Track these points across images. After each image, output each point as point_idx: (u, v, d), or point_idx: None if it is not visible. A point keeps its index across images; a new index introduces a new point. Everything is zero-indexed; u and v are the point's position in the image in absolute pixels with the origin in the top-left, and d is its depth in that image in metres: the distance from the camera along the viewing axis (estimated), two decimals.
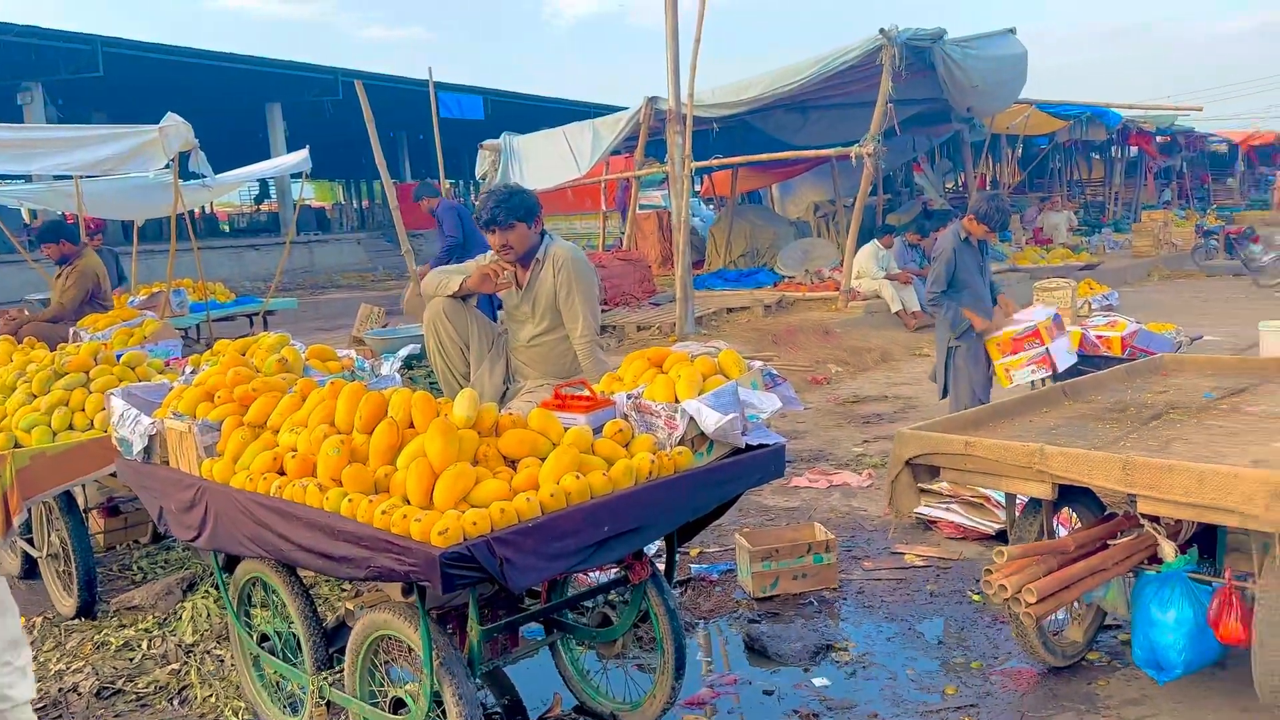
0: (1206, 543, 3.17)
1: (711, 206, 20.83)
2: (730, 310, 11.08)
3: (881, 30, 10.62)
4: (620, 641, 3.17)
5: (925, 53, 11.16)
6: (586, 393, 3.09)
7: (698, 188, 20.40)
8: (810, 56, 11.64)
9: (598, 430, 2.87)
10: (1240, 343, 9.30)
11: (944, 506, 4.73)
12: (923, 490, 4.78)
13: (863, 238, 11.95)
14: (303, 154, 9.84)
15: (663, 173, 11.59)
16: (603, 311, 11.47)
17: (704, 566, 4.49)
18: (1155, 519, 3.00)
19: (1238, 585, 2.86)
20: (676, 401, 2.94)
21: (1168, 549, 3.01)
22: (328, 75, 24.95)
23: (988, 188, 21.47)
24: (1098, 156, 26.07)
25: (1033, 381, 5.37)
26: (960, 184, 20.14)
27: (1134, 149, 24.43)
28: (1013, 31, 12.63)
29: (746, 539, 4.23)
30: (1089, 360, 5.71)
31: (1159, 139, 25.16)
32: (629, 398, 3.02)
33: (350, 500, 2.44)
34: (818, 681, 3.38)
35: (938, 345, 5.82)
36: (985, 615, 3.80)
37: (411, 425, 2.65)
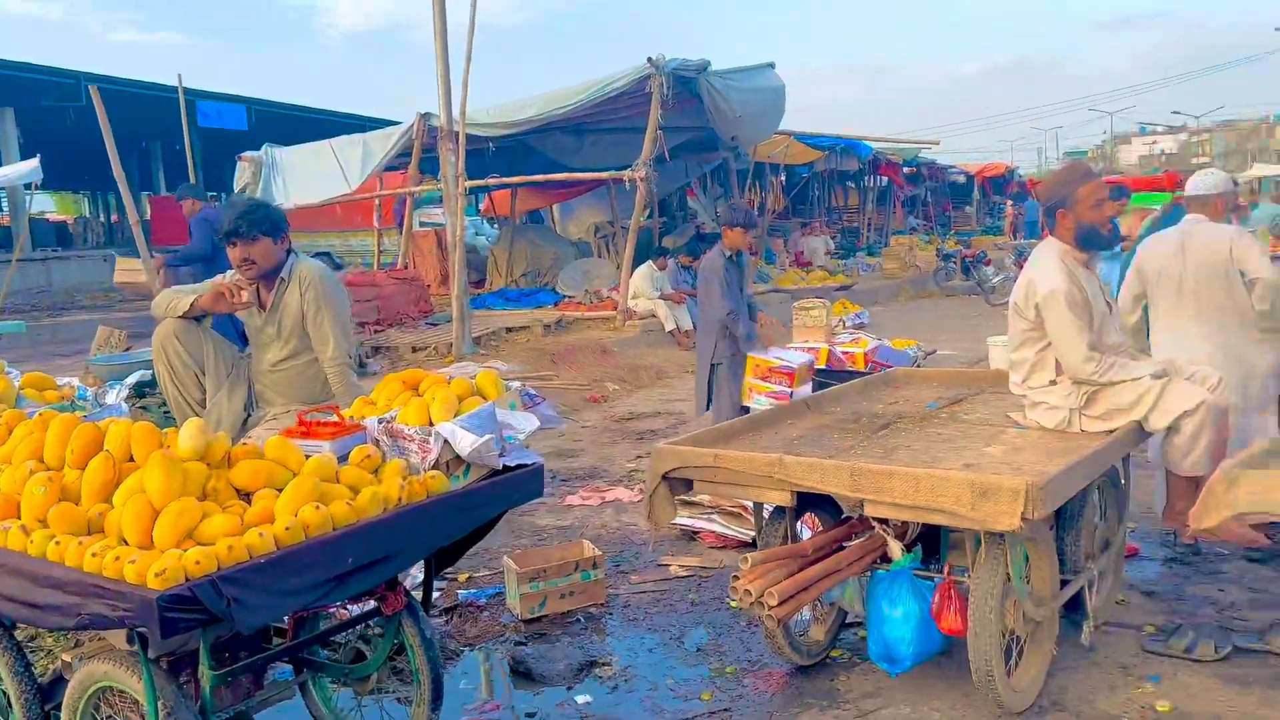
0: (932, 542, 3.45)
1: (496, 225, 20.73)
2: (510, 330, 11.05)
3: (649, 59, 10.98)
4: (375, 676, 3.06)
5: (692, 83, 11.63)
6: (334, 418, 2.98)
7: (479, 206, 20.22)
8: (584, 81, 11.85)
9: (344, 458, 2.77)
10: (972, 356, 10.23)
11: (706, 517, 4.90)
12: (687, 502, 4.96)
13: (639, 259, 12.27)
14: (33, 163, 8.97)
15: (439, 190, 11.41)
16: (376, 332, 11.18)
17: (472, 592, 4.42)
18: (884, 521, 3.24)
19: (956, 580, 3.13)
20: (431, 424, 2.88)
21: (895, 548, 3.26)
22: (68, 79, 22.82)
23: (758, 213, 22.60)
24: (853, 185, 28.05)
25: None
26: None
27: (884, 179, 26.50)
28: (772, 66, 13.40)
29: (514, 560, 4.21)
30: (836, 374, 6.12)
31: (906, 170, 27.47)
32: (380, 422, 2.93)
33: (58, 543, 2.22)
34: (580, 699, 3.40)
35: (699, 361, 6.04)
36: (741, 621, 3.96)
37: (131, 459, 2.45)
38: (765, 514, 3.56)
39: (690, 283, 12.66)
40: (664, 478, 3.36)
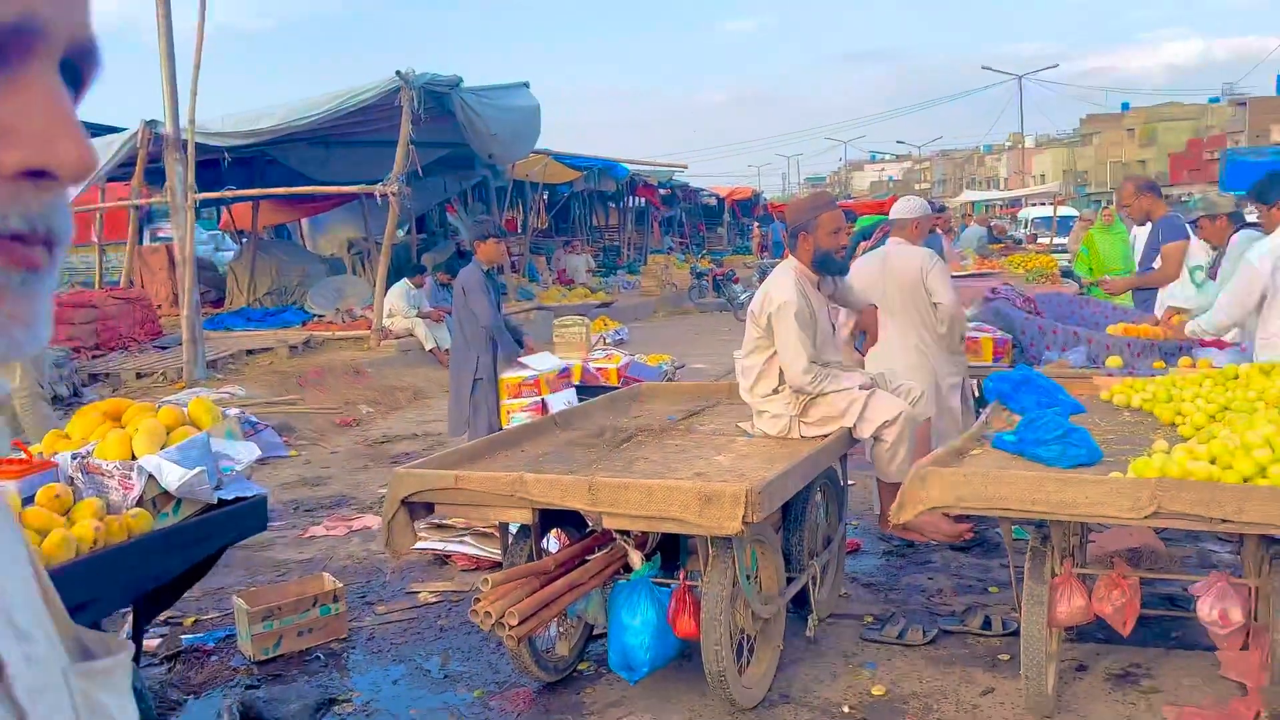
0: (672, 550, 3.56)
1: (243, 240, 19.50)
2: (251, 352, 10.41)
3: (398, 73, 10.74)
4: None
5: (445, 98, 11.48)
6: (22, 455, 2.68)
7: (219, 221, 18.93)
8: (330, 91, 11.41)
9: (31, 498, 2.49)
10: (721, 369, 10.70)
11: (458, 539, 4.82)
12: (439, 525, 4.86)
13: (397, 276, 11.95)
14: None
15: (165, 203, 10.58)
16: (95, 357, 10.18)
17: (199, 636, 4.10)
18: (625, 532, 3.31)
19: (690, 585, 3.25)
20: (133, 458, 2.65)
21: (635, 558, 3.34)
22: None
23: (519, 230, 22.63)
24: (613, 205, 28.77)
25: None
26: None
27: (642, 200, 27.35)
28: (526, 85, 13.49)
29: (245, 599, 3.94)
30: (590, 390, 6.21)
31: (662, 191, 28.48)
32: (75, 458, 2.67)
33: None
34: None
35: (454, 379, 5.94)
36: (490, 643, 3.91)
37: None
38: (511, 533, 3.54)
39: (449, 300, 12.51)
40: (403, 503, 3.27)
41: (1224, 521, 2.53)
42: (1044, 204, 29.71)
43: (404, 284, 11.43)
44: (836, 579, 4.15)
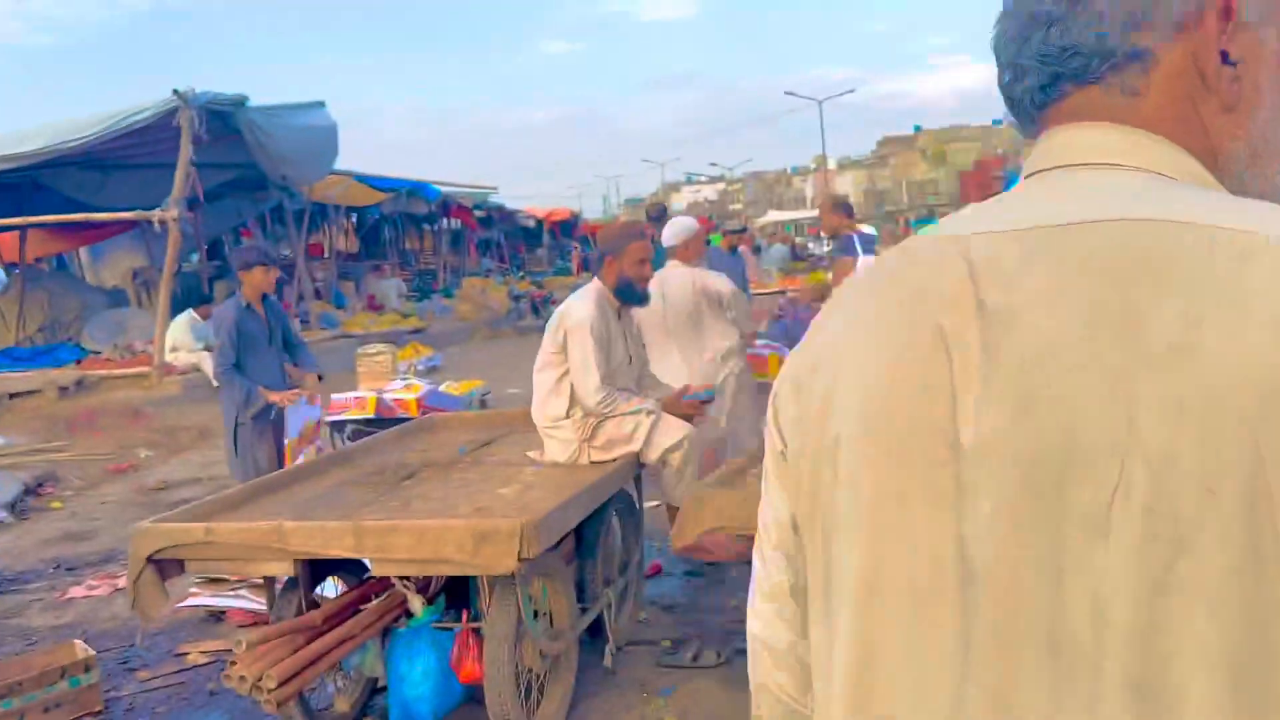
0: (457, 591, 3.39)
1: (16, 272, 17.77)
2: (14, 396, 9.45)
3: (176, 91, 10.08)
4: None
5: (230, 118, 10.87)
6: None
7: None
8: (102, 111, 10.58)
9: None
10: None
11: (233, 593, 4.46)
12: (213, 578, 4.48)
13: (182, 307, 11.15)
14: None
15: None
16: None
17: None
18: (405, 575, 3.12)
19: (474, 628, 3.09)
20: None
21: (415, 603, 3.15)
22: None
23: (325, 255, 21.76)
24: (428, 228, 28.18)
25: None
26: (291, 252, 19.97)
27: (457, 221, 26.91)
28: (322, 105, 12.97)
29: None
30: (384, 423, 5.94)
31: (478, 213, 28.12)
32: None
33: None
34: None
35: (225, 422, 5.52)
36: None
37: None
38: (279, 585, 3.28)
39: None
40: (149, 561, 2.96)
41: None
42: None
43: (188, 315, 10.64)
44: (635, 604, 4.09)
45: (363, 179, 17.55)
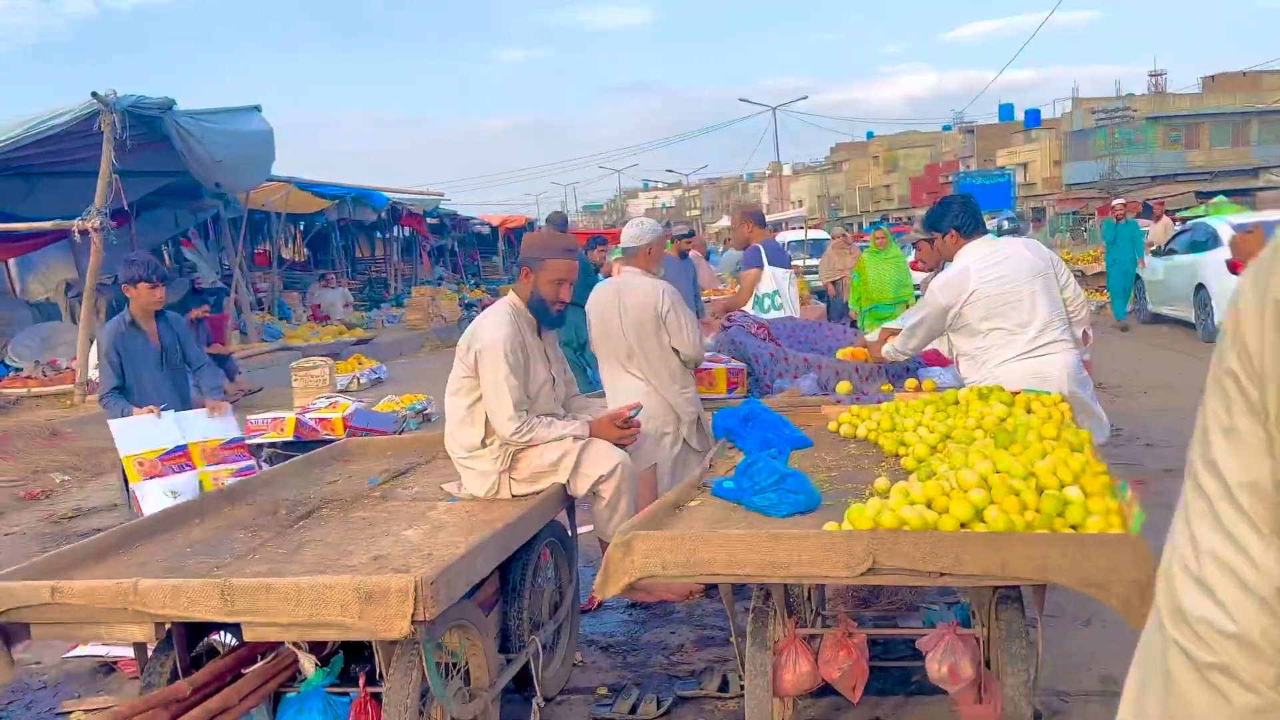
0: (357, 649, 3.01)
1: None
2: None
3: (96, 95, 9.54)
4: None
5: (157, 122, 10.34)
6: None
7: None
8: (17, 117, 10.01)
9: None
10: None
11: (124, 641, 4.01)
12: None
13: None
14: None
15: None
16: None
17: None
18: None
19: (373, 693, 2.71)
20: None
21: (306, 664, 2.76)
22: None
23: (271, 265, 21.15)
24: (379, 236, 27.58)
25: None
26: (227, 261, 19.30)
27: (408, 229, 26.35)
28: (258, 109, 12.47)
29: None
30: (303, 446, 5.52)
31: (431, 220, 27.57)
32: None
33: None
34: None
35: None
36: None
37: None
38: (151, 646, 2.87)
39: (207, 340, 11.29)
40: None
41: (942, 575, 2.30)
42: (799, 227, 31.16)
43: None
44: (569, 646, 3.73)
45: (304, 185, 16.98)
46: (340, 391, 12.06)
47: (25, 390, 9.87)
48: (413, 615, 2.30)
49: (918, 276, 9.39)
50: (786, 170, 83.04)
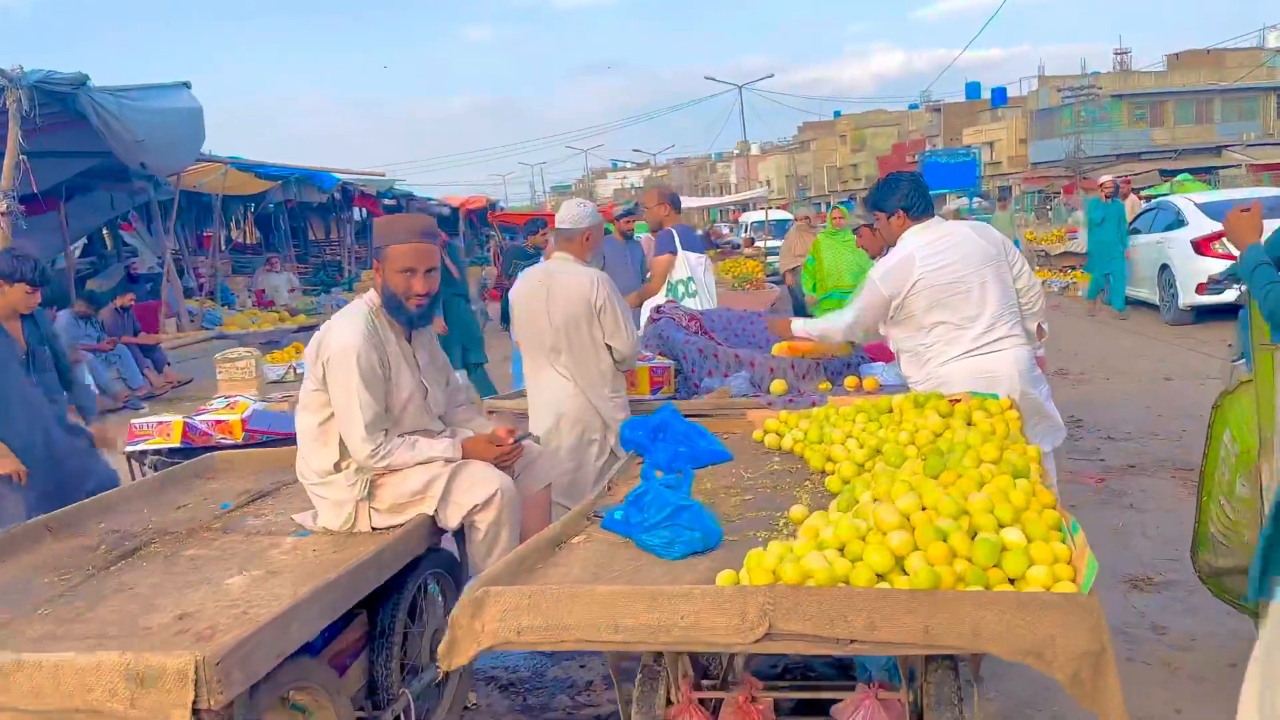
0: None
1: None
2: None
3: (0, 70, 8.87)
4: None
5: (70, 99, 9.67)
6: None
7: None
8: None
9: None
10: None
11: None
12: None
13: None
14: None
15: None
16: None
17: None
18: None
19: None
20: None
21: None
22: None
23: (221, 248, 20.44)
24: (333, 217, 26.85)
25: None
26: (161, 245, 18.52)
27: (363, 210, 25.64)
28: (187, 86, 11.80)
29: None
30: (196, 452, 5.01)
31: (387, 201, 26.87)
32: None
33: None
34: None
35: None
36: None
37: None
38: None
39: (96, 336, 10.65)
40: None
41: (853, 643, 1.87)
42: (762, 208, 30.73)
43: (68, 315, 9.48)
44: (461, 686, 3.28)
45: (244, 166, 16.28)
46: (273, 383, 11.55)
47: None
48: (194, 703, 1.84)
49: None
50: (754, 150, 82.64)
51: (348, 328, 2.88)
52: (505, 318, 10.16)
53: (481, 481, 2.84)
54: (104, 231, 19.02)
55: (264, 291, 17.34)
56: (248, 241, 26.60)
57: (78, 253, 17.06)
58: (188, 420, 5.14)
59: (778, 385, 4.23)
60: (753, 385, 4.24)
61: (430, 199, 31.96)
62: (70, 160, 12.05)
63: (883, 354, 4.57)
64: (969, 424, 2.85)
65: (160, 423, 5.09)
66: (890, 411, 3.07)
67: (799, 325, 4.22)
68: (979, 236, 3.77)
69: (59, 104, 9.75)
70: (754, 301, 10.16)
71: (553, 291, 3.96)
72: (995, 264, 3.70)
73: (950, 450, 2.55)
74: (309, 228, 27.72)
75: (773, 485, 2.90)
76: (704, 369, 4.39)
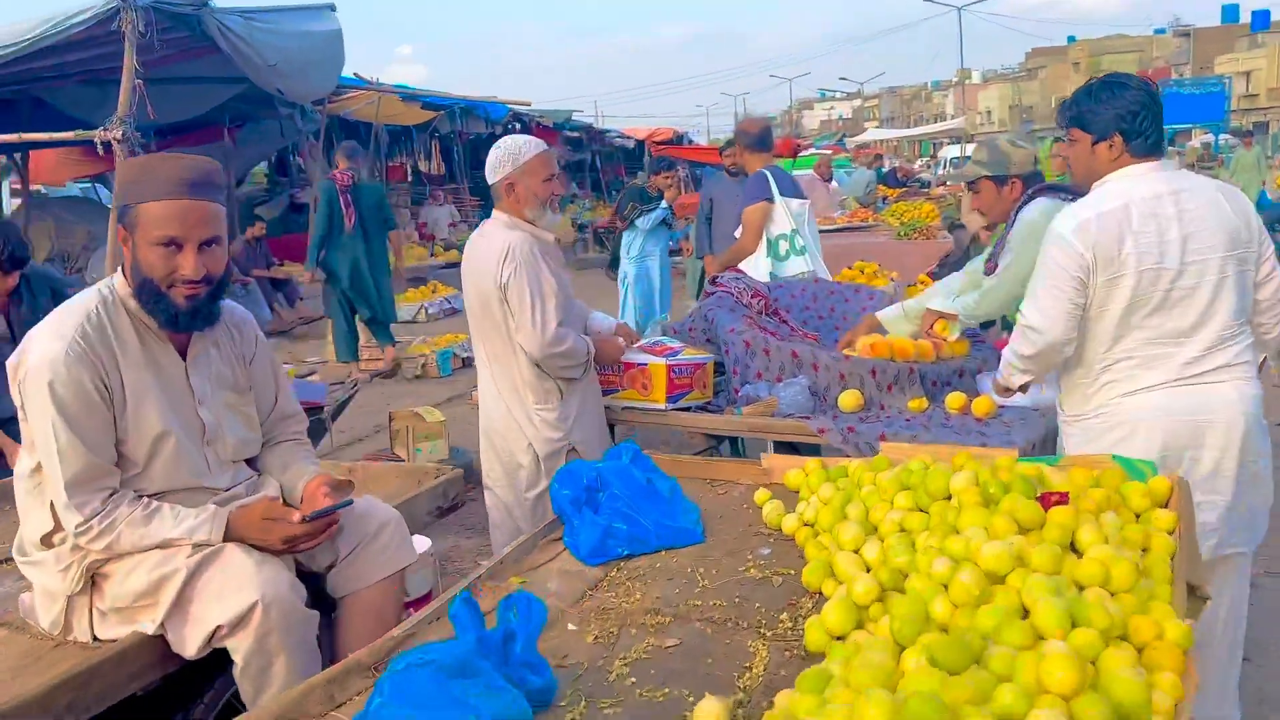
0: None
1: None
2: None
3: None
4: None
5: (193, 21, 9.35)
6: None
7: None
8: (38, 15, 9.25)
9: None
10: None
11: None
12: None
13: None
14: None
15: None
16: None
17: None
18: None
19: None
20: None
21: None
22: None
23: (407, 179, 20.54)
24: None
25: None
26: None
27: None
28: (331, 8, 11.37)
29: None
30: None
31: (567, 134, 26.28)
32: None
33: None
34: None
35: None
36: None
37: None
38: None
39: (265, 262, 10.60)
40: None
41: None
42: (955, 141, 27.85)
43: None
44: None
45: (409, 96, 15.94)
46: (404, 323, 11.11)
47: None
48: None
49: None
50: (975, 78, 76.85)
51: (50, 334, 1.92)
52: (614, 262, 9.21)
53: (235, 587, 1.83)
54: (293, 159, 19.33)
55: (425, 224, 17.14)
56: (437, 171, 26.77)
57: (251, 181, 17.42)
58: None
59: (848, 398, 3.01)
60: (813, 396, 3.03)
61: (610, 131, 31.23)
62: (216, 87, 11.93)
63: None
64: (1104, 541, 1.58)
65: None
66: (949, 499, 1.83)
67: (938, 300, 3.05)
68: (1228, 205, 2.33)
69: (184, 27, 9.46)
70: (914, 254, 8.63)
71: (469, 265, 3.01)
72: (1240, 255, 2.29)
73: (1005, 621, 1.32)
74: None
75: (732, 615, 1.75)
76: (750, 369, 3.20)
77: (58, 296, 3.92)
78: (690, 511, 2.15)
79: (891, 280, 6.33)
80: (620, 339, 3.17)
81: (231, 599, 1.80)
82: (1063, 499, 1.68)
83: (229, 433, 2.09)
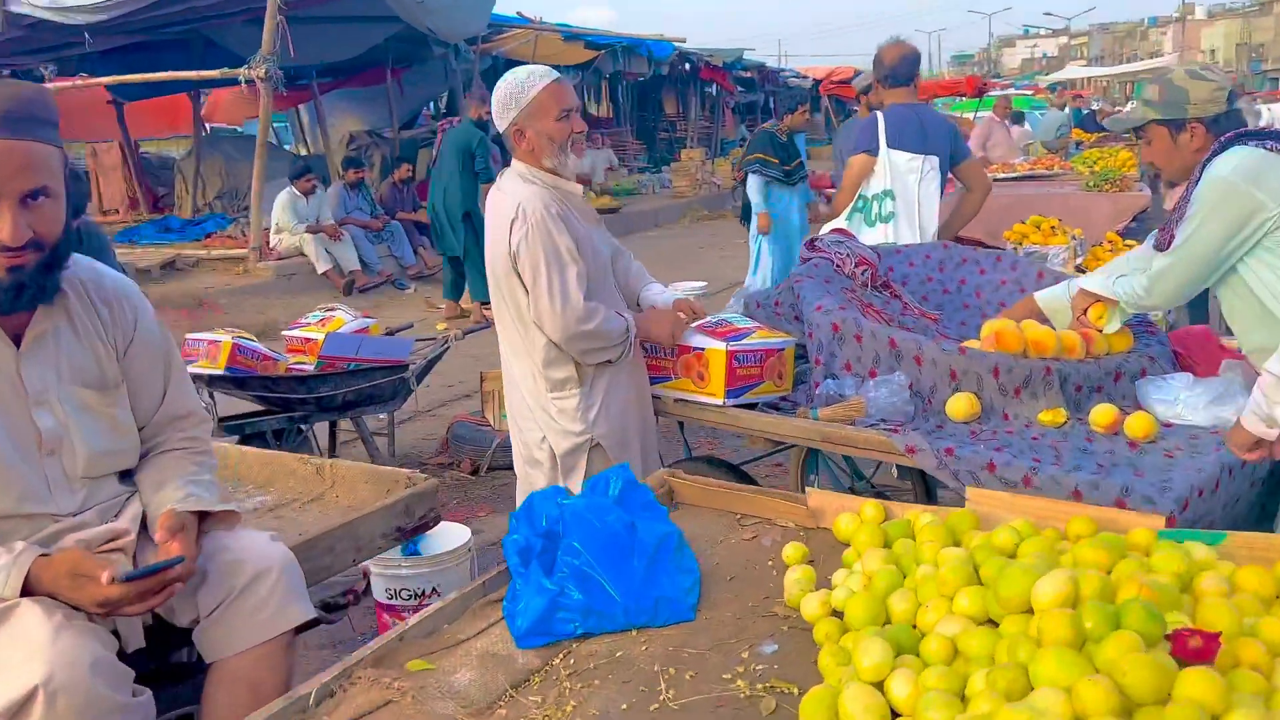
0: None
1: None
2: None
3: None
4: None
5: None
6: None
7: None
8: None
9: None
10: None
11: None
12: None
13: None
14: None
15: None
16: None
17: None
18: None
19: None
20: None
21: None
22: None
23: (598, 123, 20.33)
24: (677, 91, 25.81)
25: None
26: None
27: (714, 85, 24.33)
28: None
29: None
30: (246, 383, 4.10)
31: (738, 73, 25.29)
32: None
33: None
34: None
35: None
36: None
37: None
38: None
39: (369, 210, 10.48)
40: None
41: None
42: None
43: (287, 192, 9.37)
44: None
45: (571, 36, 15.52)
46: None
47: (206, 251, 9.48)
48: None
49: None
50: (1200, 13, 69.41)
51: None
52: (745, 215, 8.10)
53: (21, 659, 1.38)
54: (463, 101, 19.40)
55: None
56: (604, 114, 26.42)
57: (417, 121, 17.53)
58: (238, 341, 4.22)
59: (959, 404, 2.32)
60: (914, 399, 2.36)
61: (783, 70, 29.90)
62: (370, 27, 11.86)
63: (1202, 355, 2.44)
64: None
65: (211, 341, 4.22)
66: (1029, 611, 1.18)
67: (1096, 282, 2.39)
68: None
69: None
70: (1103, 208, 7.46)
71: (487, 225, 2.49)
72: None
73: None
74: (664, 101, 26.87)
75: None
76: (837, 359, 2.54)
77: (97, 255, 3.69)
78: (686, 573, 1.57)
79: (1073, 239, 5.41)
80: (680, 314, 2.59)
81: (10, 677, 1.37)
82: (1209, 648, 1.00)
83: (81, 442, 1.64)
